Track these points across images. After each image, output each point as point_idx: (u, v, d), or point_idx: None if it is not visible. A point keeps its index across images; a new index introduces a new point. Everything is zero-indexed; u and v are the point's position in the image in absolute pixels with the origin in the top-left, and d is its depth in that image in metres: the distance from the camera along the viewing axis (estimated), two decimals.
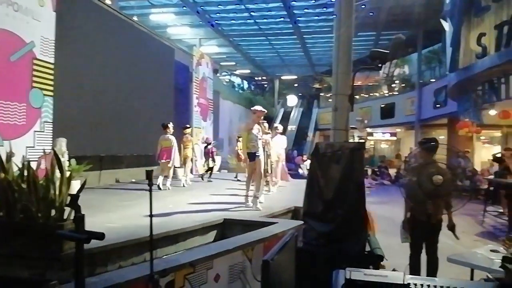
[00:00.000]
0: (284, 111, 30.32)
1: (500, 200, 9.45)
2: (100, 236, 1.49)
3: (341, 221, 3.91)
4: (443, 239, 4.33)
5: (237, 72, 31.21)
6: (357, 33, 13.25)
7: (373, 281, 1.68)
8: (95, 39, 9.05)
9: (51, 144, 7.11)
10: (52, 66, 7.32)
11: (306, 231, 4.14)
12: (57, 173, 3.63)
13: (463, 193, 5.25)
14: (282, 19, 17.69)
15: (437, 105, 17.28)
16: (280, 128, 9.56)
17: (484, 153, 17.36)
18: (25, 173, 3.64)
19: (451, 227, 4.22)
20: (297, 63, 27.15)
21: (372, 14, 16.49)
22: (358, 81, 22.29)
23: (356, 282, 1.69)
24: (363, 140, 18.18)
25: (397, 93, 23.41)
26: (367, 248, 4.02)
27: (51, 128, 7.30)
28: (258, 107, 7.04)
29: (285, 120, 28.35)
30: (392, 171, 19.09)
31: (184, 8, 16.33)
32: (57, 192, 3.52)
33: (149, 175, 2.01)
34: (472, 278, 3.28)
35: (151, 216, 2.03)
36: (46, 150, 6.75)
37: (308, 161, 11.15)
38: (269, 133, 8.17)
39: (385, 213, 5.19)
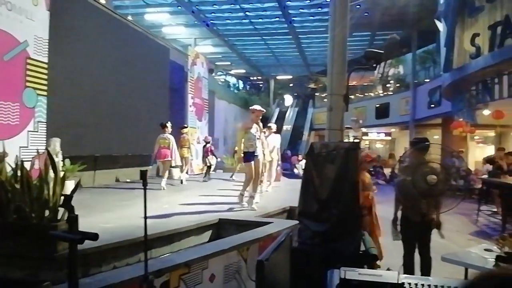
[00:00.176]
0: (280, 111, 30.35)
1: (494, 200, 9.52)
2: (94, 236, 1.48)
3: (336, 221, 3.91)
4: (437, 238, 4.35)
5: (232, 72, 31.19)
6: (352, 33, 13.30)
7: (368, 281, 1.69)
8: (89, 39, 9.00)
9: (45, 144, 7.07)
10: (45, 66, 7.28)
11: (301, 231, 4.14)
12: (51, 173, 3.61)
13: (457, 192, 5.29)
14: (277, 19, 17.70)
15: (431, 105, 17.36)
16: (274, 127, 9.54)
17: (478, 153, 17.48)
18: (19, 173, 3.62)
19: (438, 226, 4.24)
20: (292, 63, 27.18)
21: (367, 14, 16.53)
22: (353, 81, 22.16)
23: (350, 281, 1.69)
24: (358, 140, 18.25)
25: (391, 93, 23.50)
26: (362, 248, 4.02)
27: (45, 128, 7.27)
28: (257, 106, 6.96)
29: (280, 120, 28.38)
30: (387, 171, 19.15)
31: (179, 7, 16.29)
32: (51, 193, 3.51)
33: (143, 175, 2.00)
34: (466, 277, 3.30)
35: (145, 216, 2.02)
36: (39, 150, 6.71)
37: (303, 161, 11.15)
38: (264, 132, 8.15)
39: (380, 213, 5.23)
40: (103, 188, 9.08)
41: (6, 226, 3.42)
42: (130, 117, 10.57)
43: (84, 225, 1.60)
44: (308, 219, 4.11)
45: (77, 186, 3.45)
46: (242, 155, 6.54)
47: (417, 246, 4.32)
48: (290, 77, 33.63)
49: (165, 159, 8.93)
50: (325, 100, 6.99)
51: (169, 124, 9.14)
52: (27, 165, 4.34)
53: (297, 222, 4.32)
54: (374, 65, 6.01)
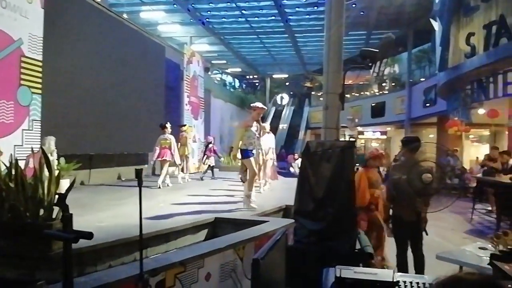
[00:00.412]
0: (276, 109, 30.36)
1: (488, 198, 9.57)
2: (88, 235, 1.48)
3: (332, 220, 3.92)
4: (432, 237, 4.37)
5: (228, 70, 31.13)
6: (348, 32, 13.32)
7: (363, 279, 1.69)
8: (84, 37, 8.95)
9: (40, 143, 7.03)
10: (40, 64, 7.24)
11: (297, 230, 4.15)
12: (46, 172, 3.59)
13: (452, 191, 5.32)
14: (273, 17, 17.68)
15: (426, 104, 17.44)
16: (268, 127, 9.47)
17: (473, 152, 17.56)
18: (13, 172, 3.60)
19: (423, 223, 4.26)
20: (289, 61, 27.18)
21: (363, 13, 16.55)
22: (349, 80, 22.32)
23: (346, 280, 1.69)
24: (353, 139, 18.29)
25: (387, 92, 23.57)
26: (358, 246, 4.04)
27: (40, 127, 7.23)
28: (258, 104, 6.79)
29: (276, 118, 28.40)
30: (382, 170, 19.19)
31: (175, 5, 16.24)
32: (45, 191, 3.49)
33: (138, 174, 1.99)
34: None
35: (140, 215, 2.02)
36: (34, 149, 6.68)
37: (300, 160, 11.18)
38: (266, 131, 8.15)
39: None
40: (99, 186, 9.05)
41: (0, 225, 3.40)
42: (126, 116, 10.53)
43: (79, 224, 1.60)
44: (304, 218, 4.11)
45: (72, 185, 3.44)
46: (239, 152, 6.38)
47: (409, 245, 4.34)
48: (286, 75, 33.66)
49: (166, 159, 9.04)
50: (321, 98, 7.00)
51: (168, 125, 9.27)
52: (21, 164, 4.32)
53: (293, 220, 4.32)
54: (370, 64, 6.03)
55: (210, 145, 12.28)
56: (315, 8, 16.20)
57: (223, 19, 18.32)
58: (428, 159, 4.22)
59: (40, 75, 7.23)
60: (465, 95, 11.37)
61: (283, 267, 1.98)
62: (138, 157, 11.64)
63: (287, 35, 20.26)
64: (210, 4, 16.35)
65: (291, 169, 18.17)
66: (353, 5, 14.82)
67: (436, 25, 12.64)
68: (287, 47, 23.13)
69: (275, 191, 8.87)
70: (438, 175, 4.14)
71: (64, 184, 4.97)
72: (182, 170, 10.71)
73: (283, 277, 1.99)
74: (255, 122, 6.52)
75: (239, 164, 6.93)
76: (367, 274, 1.73)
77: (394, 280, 1.68)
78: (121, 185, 9.38)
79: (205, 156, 12.21)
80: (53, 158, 6.83)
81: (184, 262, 3.05)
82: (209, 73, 23.18)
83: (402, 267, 4.18)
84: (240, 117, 23.32)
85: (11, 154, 5.71)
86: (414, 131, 19.80)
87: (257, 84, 37.35)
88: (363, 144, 28.01)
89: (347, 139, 17.08)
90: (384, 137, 26.93)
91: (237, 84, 35.59)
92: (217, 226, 5.21)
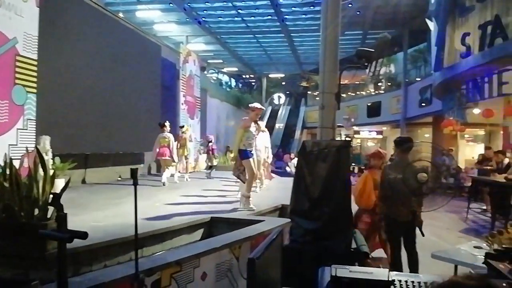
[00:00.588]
0: (272, 109, 30.38)
1: (483, 198, 9.63)
2: (83, 235, 1.47)
3: (328, 219, 3.93)
4: (427, 236, 4.38)
5: (224, 70, 31.12)
6: (344, 32, 13.34)
7: (358, 278, 1.69)
8: (80, 36, 8.91)
9: (35, 142, 6.99)
10: (35, 63, 7.19)
11: (293, 229, 4.16)
12: (41, 172, 3.57)
13: (447, 190, 5.33)
14: (269, 17, 17.69)
15: (422, 104, 17.51)
16: (263, 125, 9.41)
17: (468, 151, 17.65)
18: (8, 171, 3.57)
19: (419, 224, 4.26)
20: (285, 61, 27.20)
21: (359, 13, 16.60)
22: (345, 79, 22.41)
23: (341, 279, 1.69)
24: (349, 138, 18.34)
25: (383, 91, 23.65)
26: (353, 245, 4.05)
27: (35, 126, 7.18)
28: (257, 104, 6.77)
29: (272, 118, 28.43)
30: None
31: (171, 5, 16.20)
32: (40, 191, 3.47)
33: (134, 173, 1.99)
34: (455, 274, 3.33)
35: (135, 214, 2.01)
36: (29, 148, 6.64)
37: (296, 159, 11.19)
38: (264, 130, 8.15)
39: None
40: (94, 186, 9.02)
41: None
42: (122, 115, 10.49)
43: (75, 223, 1.59)
44: (300, 217, 4.12)
45: (67, 184, 3.42)
46: (238, 153, 6.33)
47: (403, 244, 4.35)
48: (283, 75, 33.67)
49: (165, 157, 9.25)
50: (317, 98, 7.01)
51: (167, 123, 9.52)
52: (16, 163, 4.29)
53: (289, 220, 4.33)
54: (366, 63, 6.04)
55: (210, 144, 12.33)
56: (311, 7, 16.23)
57: (219, 19, 18.31)
58: (423, 158, 4.23)
59: (35, 74, 7.18)
60: (460, 95, 11.42)
61: (279, 266, 1.98)
62: (134, 156, 11.61)
63: (283, 35, 20.27)
64: (206, 4, 16.33)
65: (287, 169, 18.19)
66: (349, 5, 14.85)
67: (431, 25, 12.69)
68: (283, 47, 23.15)
69: (271, 190, 8.87)
70: (434, 174, 4.16)
71: (59, 183, 4.94)
72: (184, 170, 10.85)
73: (279, 277, 1.99)
74: (253, 123, 6.51)
75: (233, 163, 6.90)
76: (363, 273, 1.73)
77: (390, 279, 1.68)
78: (117, 185, 9.35)
79: (207, 154, 12.37)
80: (48, 157, 6.81)
81: (180, 261, 3.05)
82: (205, 72, 23.15)
83: (396, 266, 4.19)
84: (236, 116, 23.32)
85: (5, 154, 5.68)
86: (410, 130, 19.88)
87: (253, 83, 37.36)
88: (359, 144, 28.10)
89: (343, 138, 17.14)
90: (380, 136, 27.02)
91: (233, 83, 35.59)
92: (213, 226, 5.20)
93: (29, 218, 3.41)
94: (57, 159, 7.48)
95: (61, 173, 7.04)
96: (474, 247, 3.44)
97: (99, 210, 5.74)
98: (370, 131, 27.01)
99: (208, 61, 25.48)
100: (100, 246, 3.67)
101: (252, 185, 6.38)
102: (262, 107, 6.86)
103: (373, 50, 5.97)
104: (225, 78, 33.57)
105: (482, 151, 12.94)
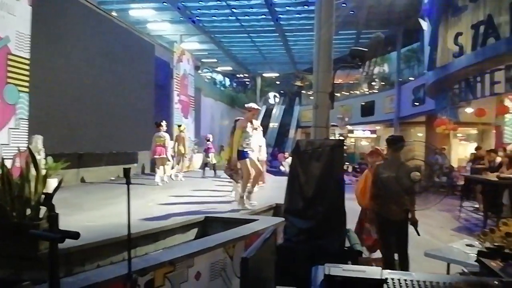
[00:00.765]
0: (266, 108, 30.38)
1: (476, 196, 9.70)
2: (75, 235, 1.46)
3: (321, 218, 3.95)
4: (420, 234, 4.40)
5: (218, 69, 31.04)
6: (337, 32, 13.36)
7: (352, 276, 1.69)
8: (73, 34, 8.84)
9: (27, 142, 6.93)
10: (27, 62, 7.13)
11: (287, 228, 4.16)
12: (33, 171, 3.55)
13: (440, 189, 5.37)
14: (263, 16, 17.66)
15: (415, 103, 17.61)
16: (257, 124, 9.35)
17: (460, 150, 17.77)
18: None
19: (414, 223, 4.27)
20: (279, 60, 27.18)
21: (352, 12, 16.63)
22: (339, 79, 22.50)
23: (334, 277, 1.69)
24: (343, 138, 18.40)
25: (377, 91, 23.77)
26: (347, 244, 4.06)
27: (27, 125, 7.12)
28: (253, 105, 6.76)
29: (267, 117, 28.43)
30: None
31: (165, 3, 16.12)
32: (32, 191, 3.44)
33: (126, 173, 1.97)
34: (448, 272, 3.36)
35: (128, 214, 2.00)
36: (21, 148, 6.59)
37: (290, 158, 11.19)
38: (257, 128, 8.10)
39: None
40: (88, 185, 8.97)
41: None
42: (115, 114, 10.44)
43: (68, 223, 1.58)
44: (293, 216, 4.13)
45: (60, 184, 3.40)
46: (236, 153, 6.29)
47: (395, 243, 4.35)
48: (277, 74, 33.67)
49: (161, 156, 9.33)
50: (311, 97, 7.03)
51: (163, 123, 9.62)
52: (8, 163, 4.25)
53: (283, 219, 4.33)
54: (359, 63, 6.06)
55: (208, 143, 12.51)
56: (305, 7, 16.23)
57: (213, 18, 18.25)
58: (417, 157, 4.25)
59: (27, 73, 7.12)
60: (453, 94, 11.49)
61: (273, 265, 1.98)
62: (128, 156, 11.56)
63: (277, 34, 20.26)
64: (200, 3, 16.27)
65: (282, 168, 18.20)
66: (343, 5, 14.88)
67: (425, 24, 12.76)
68: (277, 46, 23.13)
69: (265, 189, 8.86)
70: (427, 173, 4.17)
71: (52, 183, 4.91)
72: (180, 169, 10.89)
73: (273, 276, 1.99)
74: (249, 123, 6.49)
75: (225, 162, 6.88)
76: (356, 271, 1.73)
77: (383, 278, 1.69)
78: (110, 184, 9.30)
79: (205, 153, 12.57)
80: (40, 157, 6.75)
81: (174, 261, 3.04)
82: (199, 71, 23.11)
83: (389, 265, 4.20)
84: (230, 116, 23.28)
85: None
86: (403, 129, 19.98)
87: (247, 83, 37.34)
88: (353, 143, 28.21)
89: (337, 137, 17.20)
90: (374, 135, 27.15)
91: (227, 82, 35.54)
92: (207, 225, 5.19)
93: (21, 218, 3.39)
94: (50, 159, 7.43)
95: (54, 172, 6.99)
96: (467, 245, 3.48)
97: (92, 209, 5.71)
98: (363, 130, 27.13)
99: (202, 60, 25.40)
100: (93, 246, 3.65)
101: (247, 185, 6.35)
102: (259, 107, 6.87)
103: (366, 49, 6.00)
104: (219, 77, 33.50)
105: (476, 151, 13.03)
